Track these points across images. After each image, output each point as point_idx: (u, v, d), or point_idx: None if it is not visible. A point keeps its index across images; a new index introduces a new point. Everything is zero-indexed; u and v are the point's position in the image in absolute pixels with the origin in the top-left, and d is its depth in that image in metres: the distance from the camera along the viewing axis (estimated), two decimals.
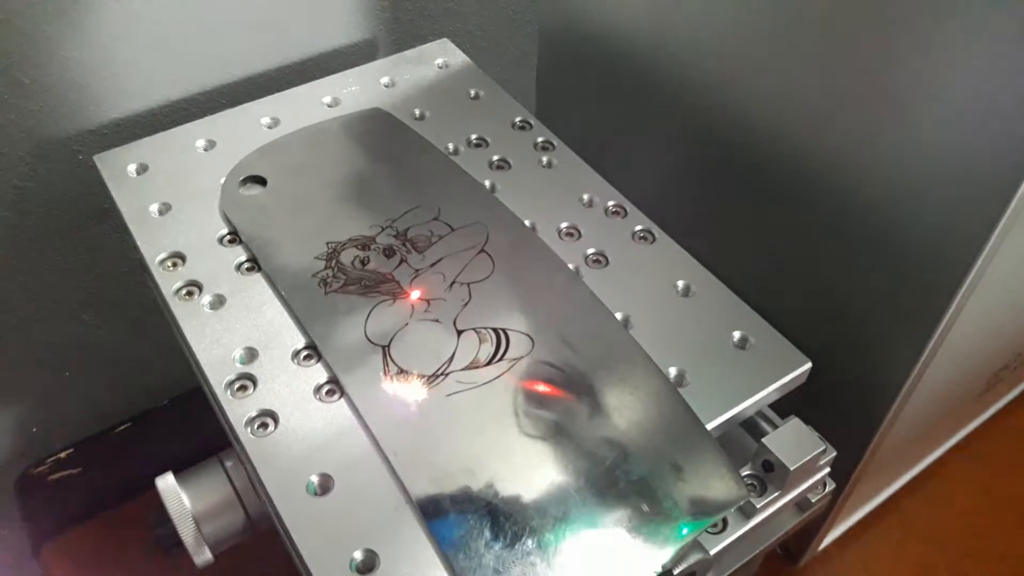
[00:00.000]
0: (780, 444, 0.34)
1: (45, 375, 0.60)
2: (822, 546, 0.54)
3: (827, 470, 0.37)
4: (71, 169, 0.51)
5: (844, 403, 0.43)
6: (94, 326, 0.60)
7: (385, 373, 0.34)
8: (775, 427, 0.36)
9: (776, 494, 0.35)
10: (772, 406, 0.37)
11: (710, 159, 0.46)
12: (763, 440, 0.34)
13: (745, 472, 0.35)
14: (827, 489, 0.39)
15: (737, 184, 0.44)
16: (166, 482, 0.36)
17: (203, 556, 0.37)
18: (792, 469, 0.34)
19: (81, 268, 0.56)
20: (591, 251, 0.39)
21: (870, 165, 0.37)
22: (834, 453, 0.36)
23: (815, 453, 0.34)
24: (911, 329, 0.38)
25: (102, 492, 0.59)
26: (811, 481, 0.36)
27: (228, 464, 0.37)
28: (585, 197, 0.42)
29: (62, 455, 0.61)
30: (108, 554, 0.56)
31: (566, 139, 0.45)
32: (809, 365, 0.35)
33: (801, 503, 0.39)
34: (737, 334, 0.36)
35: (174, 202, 0.41)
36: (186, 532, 0.35)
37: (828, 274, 0.41)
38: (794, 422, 0.35)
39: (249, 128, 0.45)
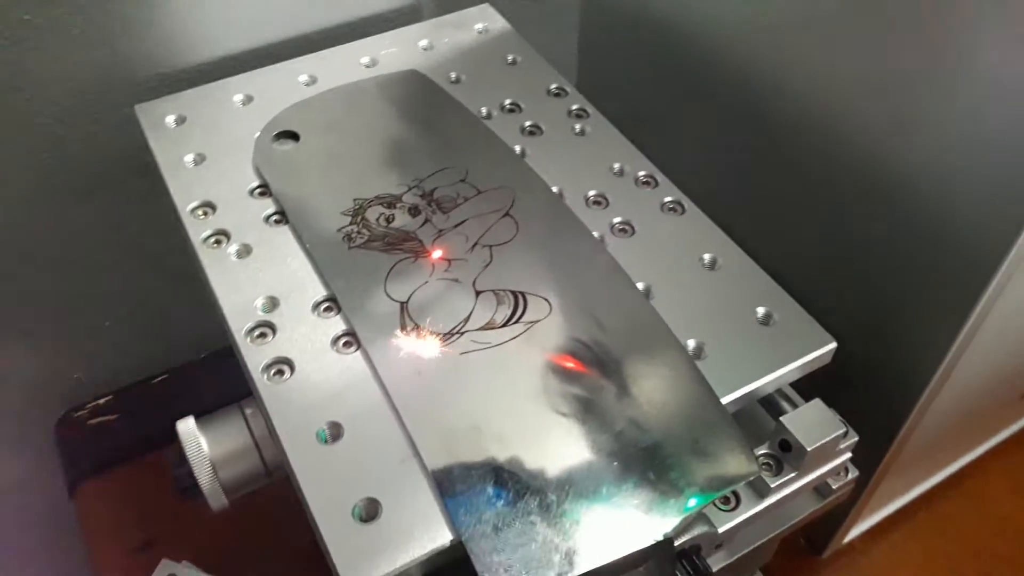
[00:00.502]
0: (799, 424, 0.33)
1: (87, 324, 0.61)
2: (847, 539, 0.53)
3: (848, 455, 0.36)
4: (116, 122, 0.52)
5: (873, 390, 0.42)
6: (134, 278, 0.61)
7: (402, 328, 0.34)
8: (795, 407, 0.35)
9: (792, 475, 0.34)
10: (797, 389, 0.36)
11: (749, 137, 0.45)
12: (781, 419, 0.34)
13: (762, 451, 0.34)
14: (849, 476, 0.38)
15: (775, 163, 0.43)
16: (186, 425, 0.37)
17: (218, 500, 0.37)
18: (810, 450, 0.33)
19: (123, 221, 0.57)
20: (617, 220, 0.39)
21: (912, 148, 0.36)
22: (855, 438, 0.35)
23: (835, 435, 0.33)
24: (943, 318, 0.36)
25: (137, 439, 0.60)
26: (830, 465, 0.35)
27: (248, 412, 0.38)
28: (616, 166, 0.41)
29: (101, 401, 0.62)
30: (139, 498, 0.57)
31: (605, 111, 0.44)
32: (834, 345, 0.34)
33: (821, 488, 0.39)
34: (761, 310, 0.35)
35: (209, 153, 0.42)
36: (203, 475, 0.36)
37: (863, 256, 0.40)
38: (815, 403, 0.34)
39: (287, 85, 0.46)
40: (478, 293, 0.35)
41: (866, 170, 0.38)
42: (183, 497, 0.38)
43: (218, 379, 0.65)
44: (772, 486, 0.33)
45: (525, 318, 0.34)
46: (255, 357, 0.34)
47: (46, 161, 0.52)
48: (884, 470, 0.44)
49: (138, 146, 0.44)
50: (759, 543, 0.38)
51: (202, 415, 0.38)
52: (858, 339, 0.42)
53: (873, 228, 0.39)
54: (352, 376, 0.33)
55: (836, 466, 0.36)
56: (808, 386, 0.36)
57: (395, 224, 0.38)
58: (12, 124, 0.50)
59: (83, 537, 0.57)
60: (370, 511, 0.29)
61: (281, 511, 0.29)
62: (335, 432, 0.31)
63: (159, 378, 0.64)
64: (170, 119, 0.44)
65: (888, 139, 0.36)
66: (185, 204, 0.39)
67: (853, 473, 0.38)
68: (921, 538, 0.55)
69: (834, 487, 0.38)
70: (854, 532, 0.52)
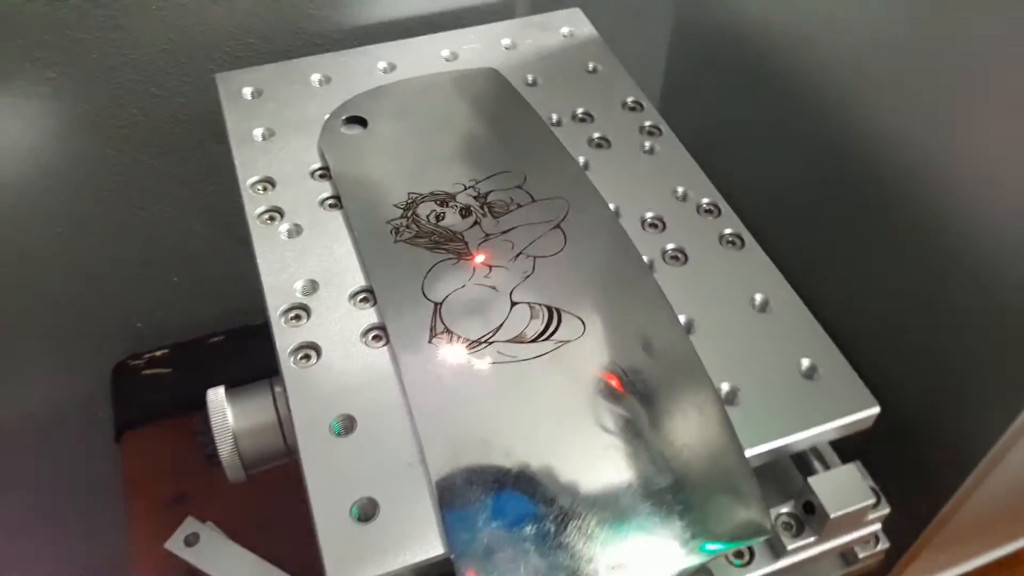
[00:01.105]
0: (826, 487, 0.32)
1: (155, 276, 0.63)
2: None
3: (877, 526, 0.34)
4: (202, 85, 0.54)
5: (922, 460, 0.40)
6: (206, 238, 0.63)
7: (432, 330, 0.34)
8: (828, 468, 0.34)
9: (812, 539, 0.32)
10: (842, 444, 0.35)
11: (831, 175, 0.43)
12: (809, 479, 0.32)
13: (784, 509, 0.33)
14: (879, 547, 0.36)
15: (855, 207, 0.41)
16: (216, 395, 0.38)
17: (237, 472, 0.38)
18: (832, 517, 0.31)
19: (200, 181, 0.59)
20: (671, 246, 0.38)
21: (997, 214, 0.33)
22: (886, 510, 0.33)
23: (862, 505, 0.31)
24: (1002, 398, 0.34)
25: (186, 395, 0.61)
26: (856, 534, 0.33)
27: (277, 390, 0.38)
28: (680, 190, 0.40)
29: (157, 353, 0.64)
30: (179, 453, 0.59)
31: (685, 129, 0.43)
32: (876, 410, 0.32)
33: (847, 555, 0.37)
34: (807, 361, 0.34)
35: (278, 129, 0.42)
36: (223, 446, 0.37)
37: (930, 320, 0.38)
38: (848, 468, 0.33)
39: (366, 69, 0.46)
40: (513, 304, 0.34)
41: (952, 229, 0.36)
42: (209, 464, 0.39)
43: (271, 346, 0.67)
44: (788, 548, 0.32)
45: (556, 336, 0.33)
46: (286, 338, 0.34)
47: (135, 115, 0.54)
48: (923, 543, 0.42)
49: (219, 111, 0.45)
50: None
51: (237, 385, 0.39)
52: (913, 405, 0.40)
53: (947, 292, 0.37)
54: (375, 371, 0.33)
55: (862, 536, 0.34)
56: (854, 445, 0.34)
57: (444, 223, 0.38)
58: (107, 77, 0.51)
59: (122, 482, 0.59)
60: (368, 511, 0.29)
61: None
62: (348, 425, 0.31)
63: (216, 338, 0.65)
64: (247, 91, 0.44)
65: (979, 202, 0.34)
66: (247, 177, 0.40)
67: (883, 544, 0.36)
68: None
69: (860, 556, 0.36)
70: None
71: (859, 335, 0.42)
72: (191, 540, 0.52)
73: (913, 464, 0.40)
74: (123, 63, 0.51)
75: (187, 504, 0.55)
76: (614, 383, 0.32)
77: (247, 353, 0.65)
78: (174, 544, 0.52)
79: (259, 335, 0.66)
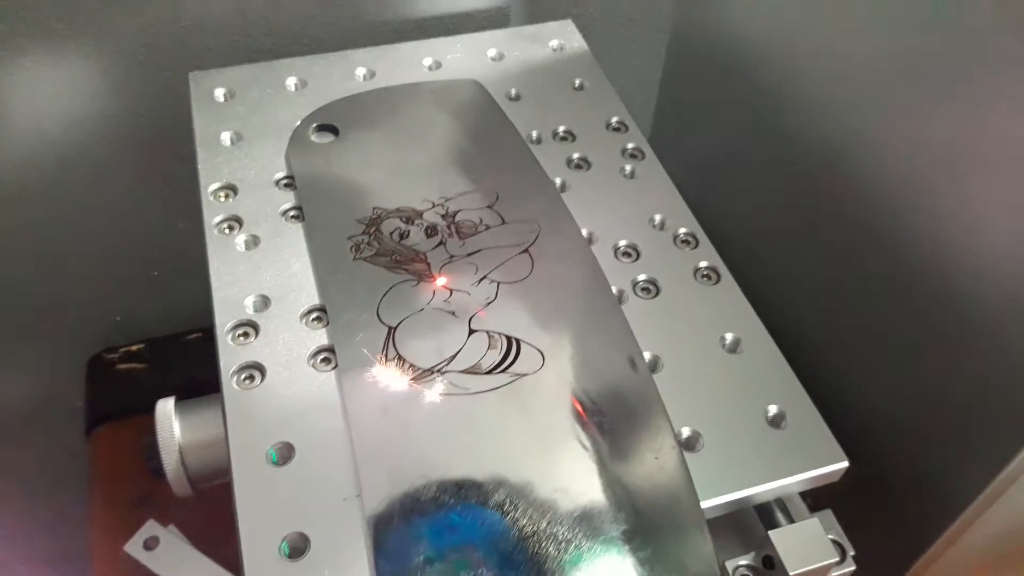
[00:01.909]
0: (787, 542, 0.30)
1: (136, 270, 0.62)
2: None
3: None
4: (184, 80, 0.52)
5: (898, 510, 0.38)
6: (187, 234, 0.61)
7: (383, 356, 0.32)
8: (792, 520, 0.32)
9: None
10: (809, 493, 0.33)
11: (823, 208, 0.41)
12: (769, 533, 0.30)
13: (744, 561, 0.31)
14: None
15: (844, 242, 0.39)
16: (165, 406, 0.37)
17: (182, 487, 0.37)
18: (791, 574, 0.29)
19: (181, 177, 0.57)
20: (643, 277, 0.36)
21: (984, 257, 0.31)
22: (852, 567, 0.32)
23: (824, 563, 0.30)
24: (985, 453, 0.32)
25: (160, 391, 0.61)
26: None
27: None
28: (657, 218, 0.38)
29: (133, 348, 0.63)
30: None
31: (676, 151, 0.42)
32: (845, 464, 0.31)
33: None
34: (774, 408, 0.32)
35: (247, 134, 0.41)
36: (168, 459, 0.36)
37: (912, 368, 0.36)
38: (811, 522, 0.31)
39: (344, 75, 0.45)
40: (472, 332, 0.33)
41: (940, 275, 0.34)
42: (153, 476, 0.38)
43: None
44: None
45: (513, 368, 0.32)
46: (231, 357, 0.33)
47: (114, 108, 0.53)
48: None
49: None
50: None
51: (208, 384, 0.37)
52: (890, 455, 0.38)
53: (936, 347, 0.35)
54: (320, 397, 0.31)
55: None
56: (826, 492, 0.32)
57: (408, 241, 0.36)
58: (85, 67, 0.50)
59: (89, 477, 0.58)
60: (298, 548, 0.27)
61: None
62: (286, 454, 0.30)
63: (193, 335, 0.64)
64: (219, 92, 0.43)
65: (971, 249, 0.32)
66: (208, 183, 0.39)
67: None
68: None
69: None
70: None
71: (833, 377, 0.40)
72: (151, 544, 0.51)
73: (887, 513, 0.38)
74: (102, 54, 0.50)
75: (151, 505, 0.54)
76: (569, 421, 0.31)
77: None
78: (133, 547, 0.51)
79: None
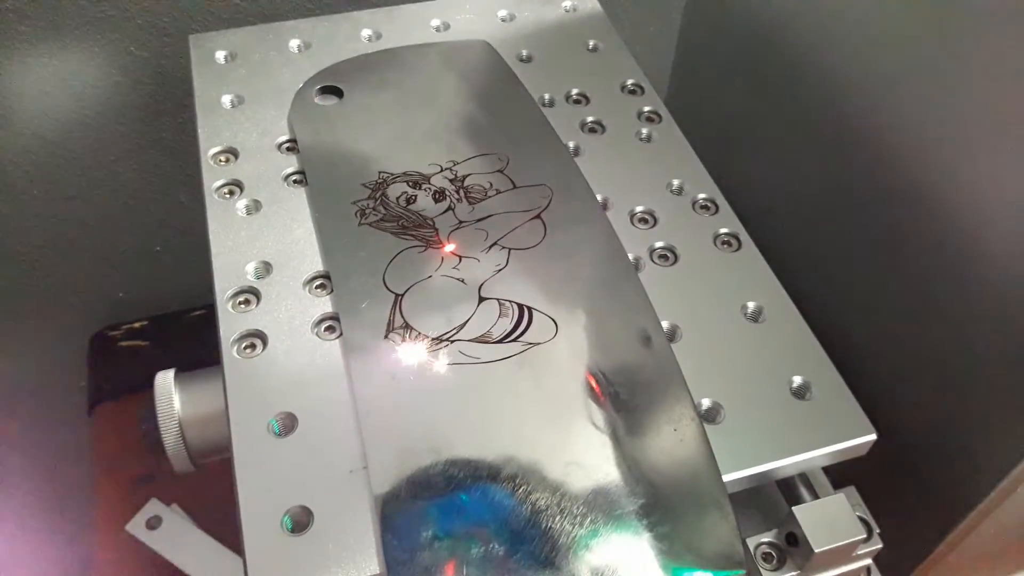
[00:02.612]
0: (812, 519, 0.29)
1: (138, 245, 0.61)
2: None
3: (867, 561, 0.31)
4: (186, 46, 0.51)
5: (925, 488, 0.36)
6: (189, 208, 0.60)
7: (389, 324, 0.31)
8: (816, 496, 0.31)
9: (794, 573, 0.29)
10: (832, 470, 0.32)
11: (839, 174, 0.39)
12: (794, 509, 0.29)
13: (767, 539, 0.30)
14: None
15: (861, 210, 0.38)
16: (164, 379, 0.35)
17: (182, 463, 0.35)
18: (817, 552, 0.28)
19: (183, 148, 0.57)
20: (661, 244, 0.34)
21: (1008, 220, 0.30)
22: (878, 545, 0.30)
23: (850, 540, 0.28)
24: (1016, 426, 0.31)
25: (163, 369, 0.60)
26: (843, 569, 0.30)
27: None
28: (675, 183, 0.37)
29: (136, 325, 0.62)
30: None
31: (692, 118, 0.40)
32: (873, 437, 0.29)
33: None
34: (799, 379, 0.30)
35: (248, 97, 0.40)
36: (168, 433, 0.34)
37: (939, 337, 0.35)
38: (837, 497, 0.30)
39: (349, 37, 0.43)
40: (481, 299, 0.32)
41: (964, 244, 0.32)
42: (151, 453, 0.37)
43: None
44: None
45: (525, 338, 0.30)
46: (231, 325, 0.31)
47: (114, 76, 0.52)
48: (925, 571, 0.39)
49: None
50: None
51: (208, 363, 0.36)
52: (917, 429, 0.36)
53: (957, 307, 0.33)
54: (324, 366, 0.30)
55: (853, 570, 0.31)
56: (850, 468, 0.31)
57: (415, 206, 0.35)
58: (83, 33, 0.49)
59: (91, 455, 0.57)
60: (300, 522, 0.26)
61: None
62: (288, 424, 0.28)
63: (196, 312, 0.63)
64: (220, 54, 0.42)
65: (997, 213, 0.30)
66: (209, 147, 0.37)
67: None
68: None
69: None
70: None
71: (860, 351, 0.38)
72: (153, 523, 0.50)
73: (913, 492, 0.37)
74: (100, 19, 0.48)
75: (153, 483, 0.53)
76: (584, 393, 0.29)
77: None
78: (135, 527, 0.50)
79: None
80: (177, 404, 0.34)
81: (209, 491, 0.53)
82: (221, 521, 0.51)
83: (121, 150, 0.55)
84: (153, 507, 0.51)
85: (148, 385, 0.59)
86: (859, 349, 0.38)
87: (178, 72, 0.53)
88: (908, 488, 0.37)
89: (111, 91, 0.52)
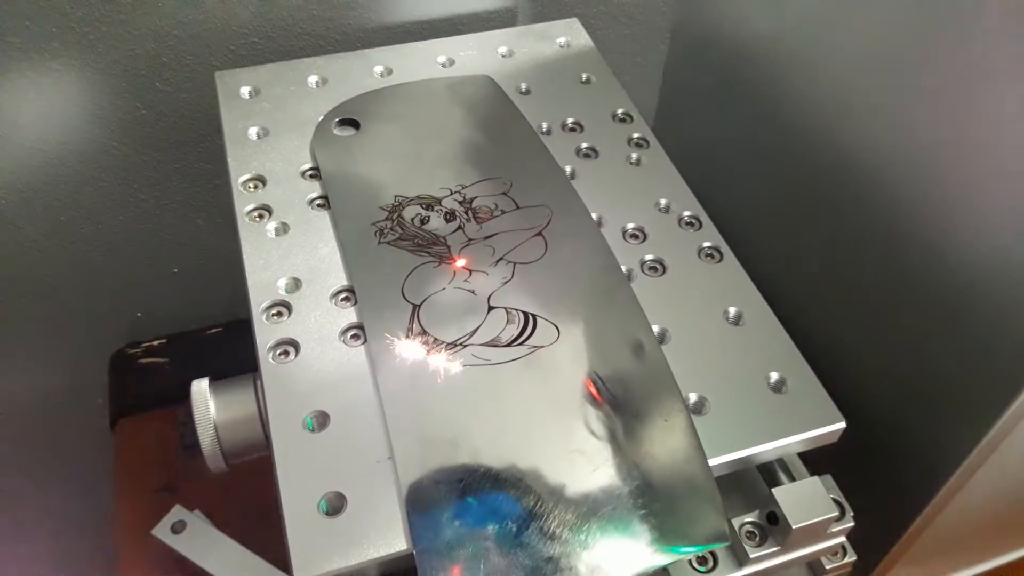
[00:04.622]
0: (790, 499, 0.32)
1: (155, 267, 0.64)
2: None
3: (841, 538, 0.34)
4: (205, 81, 0.55)
5: (893, 473, 0.40)
6: (206, 231, 0.64)
7: (408, 331, 0.34)
8: (793, 480, 0.34)
9: (774, 549, 0.33)
10: (810, 461, 0.35)
11: (819, 192, 0.43)
12: (773, 490, 0.33)
13: (749, 519, 0.33)
14: (846, 559, 0.37)
15: (839, 223, 0.42)
16: (199, 387, 0.39)
17: (217, 463, 0.39)
18: (795, 528, 0.32)
19: (202, 176, 0.60)
20: (650, 257, 0.38)
21: (981, 235, 0.34)
22: (850, 523, 0.34)
23: (825, 517, 0.32)
24: (974, 411, 0.34)
25: (181, 385, 0.63)
26: (819, 546, 0.34)
27: (260, 383, 0.39)
28: (663, 202, 0.41)
29: (155, 343, 0.65)
30: (172, 443, 0.60)
31: (678, 142, 0.44)
32: (842, 425, 0.33)
33: (814, 566, 0.37)
34: (775, 375, 0.34)
35: (273, 129, 0.43)
36: (205, 437, 0.37)
37: (902, 332, 0.38)
38: (812, 480, 0.33)
39: (362, 73, 0.47)
40: (490, 308, 0.35)
41: (936, 249, 0.36)
42: (188, 455, 0.40)
43: None
44: (751, 556, 0.32)
45: (531, 341, 0.34)
46: (266, 334, 0.35)
47: (139, 109, 0.55)
48: (894, 558, 0.42)
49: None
50: None
51: (223, 378, 0.39)
52: (884, 418, 0.40)
53: (924, 310, 0.37)
54: (351, 369, 0.33)
55: (826, 548, 0.34)
56: (826, 458, 0.34)
57: (428, 226, 0.38)
58: (111, 70, 0.52)
59: (114, 468, 0.59)
60: (335, 505, 0.29)
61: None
62: (322, 421, 0.32)
63: (213, 330, 0.66)
64: (245, 90, 0.45)
65: (964, 221, 0.34)
66: (239, 175, 0.41)
67: (851, 556, 0.37)
68: None
69: (828, 567, 0.37)
70: None
71: (832, 349, 0.42)
72: (178, 528, 0.53)
73: (884, 478, 0.41)
74: (128, 57, 0.52)
75: (176, 494, 0.56)
76: (584, 389, 0.33)
77: (244, 346, 0.66)
78: (161, 531, 0.53)
79: None
80: (212, 409, 0.38)
81: (226, 502, 0.56)
82: (239, 529, 0.54)
83: (144, 178, 0.59)
84: (178, 513, 0.53)
85: (168, 400, 0.63)
86: (831, 347, 0.42)
87: (198, 105, 0.56)
88: (877, 475, 0.41)
89: (135, 123, 0.56)
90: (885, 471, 0.40)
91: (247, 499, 0.55)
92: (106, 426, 0.62)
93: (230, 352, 0.66)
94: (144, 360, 0.65)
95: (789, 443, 0.32)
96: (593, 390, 0.33)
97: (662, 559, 0.29)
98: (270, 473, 0.44)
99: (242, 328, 0.66)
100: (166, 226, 0.62)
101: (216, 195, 0.62)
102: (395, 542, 0.29)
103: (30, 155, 0.55)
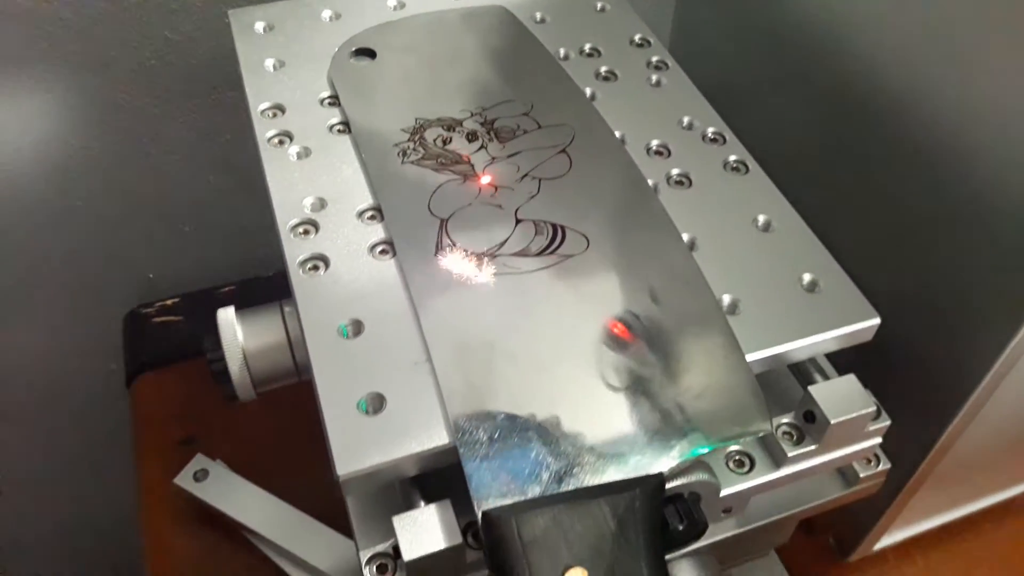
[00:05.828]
0: (826, 395, 0.32)
1: (167, 226, 0.64)
2: (879, 546, 0.50)
3: (877, 439, 0.34)
4: (216, 29, 0.54)
5: (920, 384, 0.40)
6: (217, 189, 0.63)
7: (438, 244, 0.34)
8: (828, 380, 0.34)
9: (812, 447, 0.33)
10: (838, 365, 0.35)
11: (837, 116, 0.43)
12: (809, 388, 0.32)
13: (785, 420, 0.33)
14: (880, 467, 0.37)
15: (859, 145, 0.41)
16: (226, 314, 0.38)
17: (247, 390, 0.38)
18: (833, 423, 0.31)
19: (213, 130, 0.60)
20: (676, 171, 0.38)
21: (995, 144, 0.34)
22: (887, 422, 0.34)
23: (862, 412, 0.32)
24: (997, 323, 0.34)
25: (196, 341, 0.63)
26: (856, 446, 0.34)
27: (286, 310, 0.39)
28: (685, 120, 0.40)
29: (168, 302, 0.65)
30: (188, 396, 0.60)
31: (690, 73, 0.43)
32: (877, 321, 0.33)
33: (847, 472, 0.37)
34: (808, 276, 0.34)
35: (289, 61, 0.43)
36: (234, 364, 0.37)
37: (924, 252, 0.38)
38: (848, 378, 0.33)
39: (376, 6, 0.47)
40: (518, 221, 0.35)
41: (950, 161, 0.36)
42: (217, 382, 0.39)
43: (281, 298, 0.68)
44: (789, 455, 0.32)
45: (560, 251, 0.34)
46: (295, 250, 0.34)
47: (148, 59, 0.55)
48: (924, 475, 0.42)
49: (233, 57, 0.46)
50: (773, 519, 0.37)
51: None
52: (911, 327, 0.40)
53: (942, 223, 0.37)
54: (382, 281, 0.33)
55: (863, 449, 0.34)
56: (852, 370, 0.34)
57: (451, 146, 0.38)
58: (119, 18, 0.52)
59: (132, 425, 0.59)
60: (375, 405, 0.29)
61: (316, 428, 0.30)
62: (356, 328, 0.32)
63: (225, 288, 0.66)
64: (259, 25, 0.45)
65: (975, 134, 0.34)
66: (257, 103, 0.41)
67: (884, 464, 0.37)
68: (962, 563, 0.52)
69: (861, 475, 0.37)
70: (887, 540, 0.50)
71: (859, 257, 0.42)
72: (200, 476, 0.53)
73: (907, 398, 0.40)
74: (136, 4, 0.52)
75: (195, 445, 0.56)
76: (615, 294, 0.33)
77: (257, 302, 0.66)
78: (183, 479, 0.53)
79: (269, 286, 0.67)
80: (240, 336, 0.38)
81: (246, 452, 0.56)
82: (260, 480, 0.53)
83: (153, 132, 0.58)
84: (199, 462, 0.53)
85: (182, 356, 0.62)
86: (856, 255, 0.42)
87: (209, 55, 0.56)
88: (905, 387, 0.41)
89: (145, 74, 0.55)
90: (908, 391, 0.40)
91: (267, 451, 0.55)
92: (122, 385, 0.62)
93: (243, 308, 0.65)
94: (158, 319, 0.65)
95: (825, 339, 0.32)
96: (626, 294, 0.33)
97: (704, 448, 0.29)
98: (291, 427, 0.43)
99: (255, 286, 0.66)
100: (176, 184, 0.62)
101: (228, 151, 0.61)
102: (437, 436, 0.28)
103: (37, 113, 0.54)
